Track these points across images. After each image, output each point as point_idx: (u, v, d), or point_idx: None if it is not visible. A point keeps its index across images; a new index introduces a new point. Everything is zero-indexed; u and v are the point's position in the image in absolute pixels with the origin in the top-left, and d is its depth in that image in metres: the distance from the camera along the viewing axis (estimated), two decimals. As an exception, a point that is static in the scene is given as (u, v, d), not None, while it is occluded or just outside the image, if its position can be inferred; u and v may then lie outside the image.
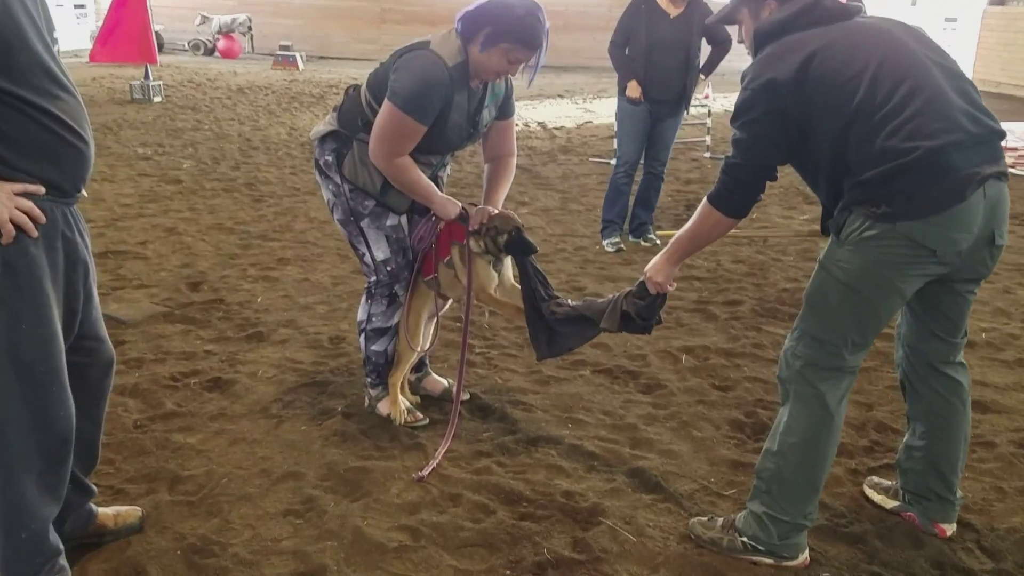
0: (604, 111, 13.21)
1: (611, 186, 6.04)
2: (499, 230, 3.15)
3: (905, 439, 2.77)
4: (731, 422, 3.46)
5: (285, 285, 5.03)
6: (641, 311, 2.84)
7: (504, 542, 2.62)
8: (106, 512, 2.61)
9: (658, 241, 6.08)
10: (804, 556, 2.56)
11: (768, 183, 2.50)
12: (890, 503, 2.85)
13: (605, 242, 6.00)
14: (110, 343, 2.43)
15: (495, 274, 3.27)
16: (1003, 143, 2.34)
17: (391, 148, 2.99)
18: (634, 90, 5.66)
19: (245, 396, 3.57)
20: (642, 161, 6.03)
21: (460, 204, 3.21)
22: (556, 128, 11.61)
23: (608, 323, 2.92)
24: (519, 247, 3.15)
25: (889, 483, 2.91)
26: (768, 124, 2.35)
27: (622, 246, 5.99)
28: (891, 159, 2.19)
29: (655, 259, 2.76)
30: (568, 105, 14.09)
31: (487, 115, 3.18)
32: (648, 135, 5.85)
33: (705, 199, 2.54)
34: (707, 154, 9.72)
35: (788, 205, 7.31)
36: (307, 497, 2.84)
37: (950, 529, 2.69)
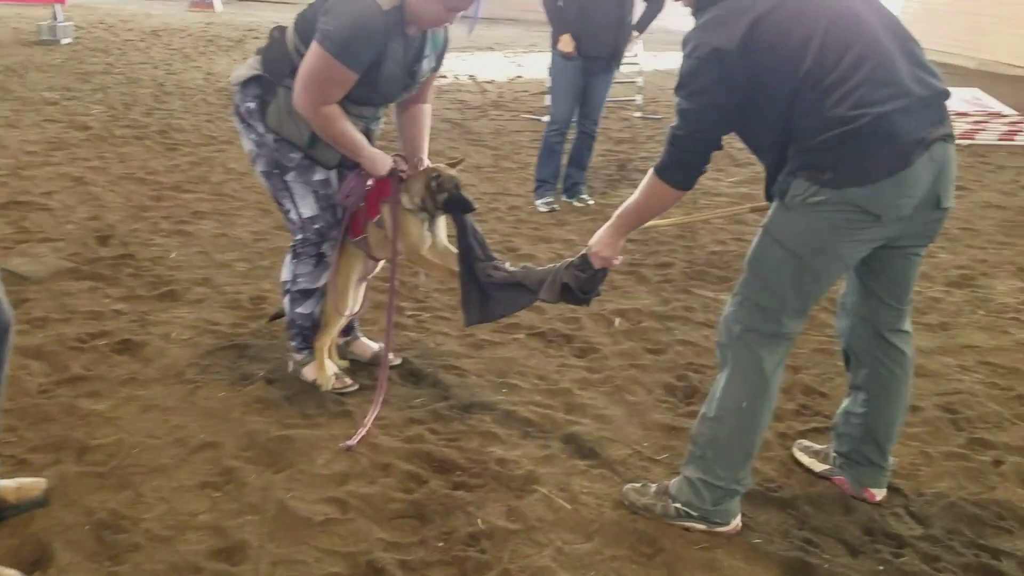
0: (535, 66, 13.01)
1: (544, 145, 5.90)
2: (440, 187, 3.01)
3: (845, 405, 2.76)
4: (664, 386, 3.43)
5: (201, 240, 4.80)
6: (582, 284, 2.76)
7: (437, 513, 2.53)
8: (7, 485, 2.43)
9: (591, 202, 6.01)
10: (736, 522, 2.54)
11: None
12: (819, 467, 2.86)
13: (538, 202, 5.88)
14: (7, 304, 2.22)
15: (429, 234, 3.13)
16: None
17: (317, 95, 2.80)
18: (567, 44, 5.50)
19: (158, 359, 3.37)
20: (575, 120, 5.91)
21: (391, 158, 3.06)
22: (487, 82, 11.38)
23: (547, 294, 2.83)
24: (459, 205, 3.02)
25: (819, 446, 2.92)
26: (715, 94, 2.25)
27: (556, 206, 5.88)
28: (837, 126, 2.14)
29: (600, 232, 2.66)
30: (498, 58, 13.84)
31: (426, 65, 3.01)
32: (581, 93, 5.72)
33: (651, 171, 2.44)
34: (638, 114, 9.66)
35: (715, 167, 7.30)
36: (226, 468, 2.69)
37: (880, 494, 2.71)
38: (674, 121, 2.34)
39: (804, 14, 2.19)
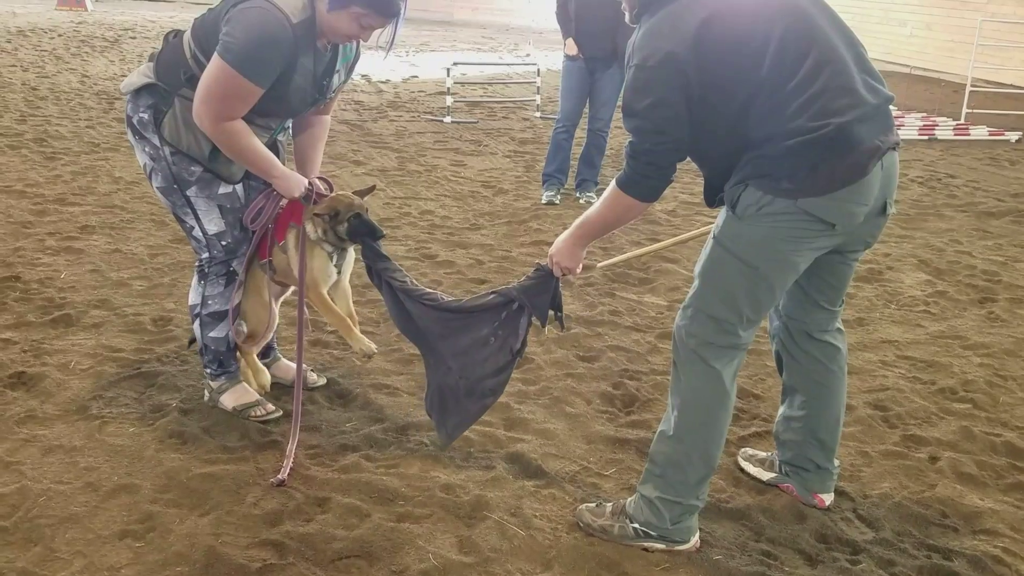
0: (429, 66, 12.85)
1: (552, 141, 6.23)
2: (338, 218, 2.83)
3: (782, 411, 2.74)
4: (601, 395, 3.35)
5: (92, 258, 4.46)
6: (528, 290, 2.61)
7: (384, 549, 2.36)
8: None
9: (596, 199, 6.03)
10: (695, 539, 2.47)
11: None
12: (766, 475, 2.83)
13: (543, 194, 6.16)
14: None
15: (334, 271, 2.95)
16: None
17: (218, 110, 2.57)
18: (570, 48, 5.92)
19: (57, 393, 3.07)
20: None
21: (306, 180, 2.85)
22: (382, 82, 11.15)
23: (538, 311, 2.61)
24: (363, 230, 2.85)
25: (763, 454, 2.90)
26: (674, 103, 2.14)
27: (556, 200, 6.11)
28: (797, 135, 2.09)
29: (560, 241, 2.53)
30: (391, 58, 13.59)
31: (337, 79, 2.83)
32: (588, 92, 6.05)
33: (614, 183, 2.33)
34: (537, 114, 9.62)
35: (620, 168, 7.33)
36: (146, 514, 2.45)
37: (828, 499, 2.70)
38: (632, 137, 2.23)
39: (758, 15, 2.13)
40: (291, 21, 2.52)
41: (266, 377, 3.06)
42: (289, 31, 2.53)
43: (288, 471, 2.65)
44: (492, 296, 2.67)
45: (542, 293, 2.61)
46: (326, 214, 2.82)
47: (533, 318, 2.64)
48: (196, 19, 2.70)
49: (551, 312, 2.64)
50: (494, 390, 2.66)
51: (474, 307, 2.67)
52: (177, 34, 2.77)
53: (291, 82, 2.64)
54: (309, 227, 2.85)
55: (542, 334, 3.86)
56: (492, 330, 2.63)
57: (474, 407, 2.68)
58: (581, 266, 2.58)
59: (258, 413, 2.99)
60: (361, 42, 2.80)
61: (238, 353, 3.06)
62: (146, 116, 2.73)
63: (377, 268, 2.82)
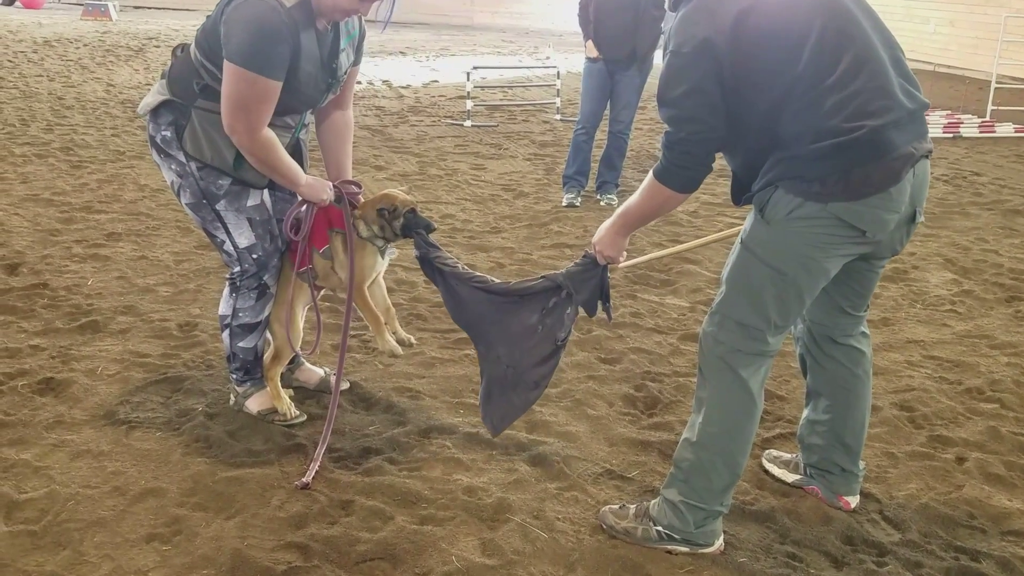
0: (449, 70, 12.89)
1: (572, 143, 6.26)
2: (395, 213, 2.88)
3: (806, 414, 2.72)
4: (623, 397, 3.34)
5: (119, 264, 4.51)
6: (574, 277, 2.61)
7: (407, 552, 2.37)
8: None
9: (615, 202, 6.15)
10: (719, 542, 2.46)
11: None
12: (791, 477, 2.81)
13: (564, 196, 6.18)
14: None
15: (383, 262, 2.99)
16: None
17: (250, 118, 2.58)
18: (590, 50, 5.97)
19: (85, 399, 3.11)
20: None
21: (331, 184, 2.88)
22: (402, 87, 11.19)
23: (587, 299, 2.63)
24: (418, 225, 2.91)
25: (788, 455, 2.88)
26: (709, 91, 2.12)
27: (577, 202, 6.12)
28: (831, 136, 2.07)
29: (602, 230, 2.53)
30: (411, 63, 13.66)
31: (345, 59, 2.83)
32: (608, 94, 6.08)
33: (651, 175, 2.31)
34: (558, 116, 9.62)
35: (640, 169, 7.32)
36: (172, 517, 2.48)
37: (854, 501, 2.68)
38: (668, 126, 2.22)
39: (797, 8, 2.10)
40: (284, 6, 2.53)
41: (286, 405, 3.06)
42: (284, 16, 2.53)
43: (313, 474, 2.67)
44: (541, 280, 2.67)
45: (588, 280, 2.62)
46: (386, 209, 2.87)
47: (580, 308, 2.65)
48: (199, 29, 2.71)
49: (599, 302, 2.66)
50: (538, 383, 2.68)
51: (523, 290, 2.68)
52: (184, 48, 2.78)
53: (299, 69, 2.63)
54: (362, 226, 2.89)
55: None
56: (540, 318, 2.64)
57: (519, 400, 2.70)
58: (624, 255, 2.58)
59: (283, 417, 3.01)
60: (362, 18, 2.81)
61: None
62: (168, 134, 2.75)
63: (430, 257, 2.86)
